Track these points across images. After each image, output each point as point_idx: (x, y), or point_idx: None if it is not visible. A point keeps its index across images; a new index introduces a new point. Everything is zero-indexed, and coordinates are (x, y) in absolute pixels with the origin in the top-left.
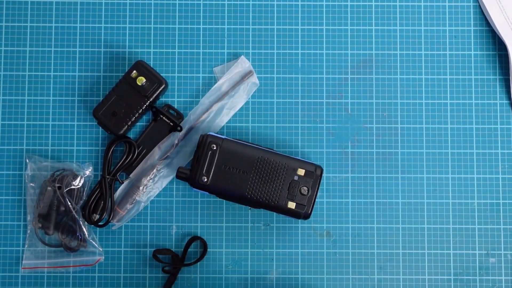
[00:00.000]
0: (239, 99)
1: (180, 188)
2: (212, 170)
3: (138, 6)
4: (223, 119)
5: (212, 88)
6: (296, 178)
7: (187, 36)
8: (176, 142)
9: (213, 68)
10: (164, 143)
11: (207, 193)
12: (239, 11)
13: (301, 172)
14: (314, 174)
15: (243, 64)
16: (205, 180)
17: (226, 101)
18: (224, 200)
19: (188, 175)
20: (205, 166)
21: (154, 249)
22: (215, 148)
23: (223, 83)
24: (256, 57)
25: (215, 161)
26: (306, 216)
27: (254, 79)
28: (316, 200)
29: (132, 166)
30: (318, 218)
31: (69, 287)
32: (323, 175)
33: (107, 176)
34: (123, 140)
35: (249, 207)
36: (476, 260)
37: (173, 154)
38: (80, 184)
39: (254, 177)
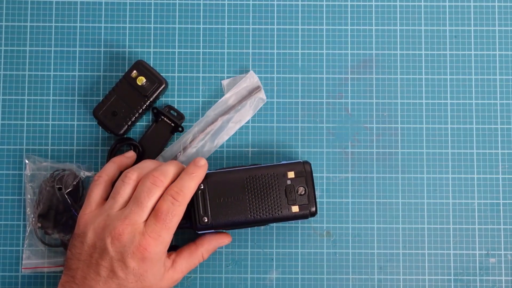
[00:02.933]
0: (245, 114)
1: None
2: (209, 208)
3: (138, 6)
4: (229, 132)
5: (219, 101)
6: (289, 182)
7: (187, 36)
8: (178, 155)
9: (221, 81)
10: (166, 153)
11: (213, 231)
12: (239, 11)
13: (291, 174)
14: (304, 171)
15: (252, 78)
16: (206, 220)
17: (232, 115)
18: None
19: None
20: (201, 207)
21: None
22: (202, 187)
23: (230, 96)
24: (256, 57)
25: (208, 199)
26: (313, 214)
27: (262, 94)
28: (317, 199)
29: None
30: (318, 218)
31: None
32: (322, 174)
33: None
34: (128, 143)
35: (261, 227)
36: (476, 260)
37: None
38: (80, 184)
39: (250, 199)
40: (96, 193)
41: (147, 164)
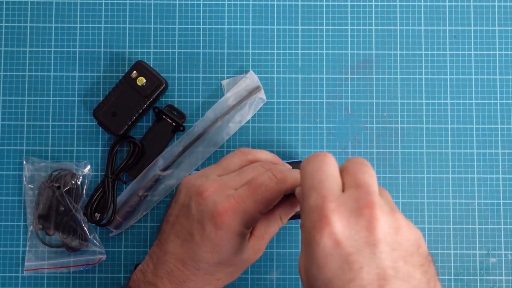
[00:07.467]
0: (245, 114)
1: None
2: None
3: (138, 6)
4: (229, 132)
5: (219, 101)
6: None
7: (187, 36)
8: (177, 154)
9: (221, 81)
10: (167, 153)
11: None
12: (239, 11)
13: None
14: None
15: (252, 79)
16: None
17: (232, 115)
18: None
19: None
20: None
21: (136, 263)
22: None
23: (230, 96)
24: (256, 57)
25: None
26: None
27: (262, 95)
28: None
29: (136, 166)
30: None
31: (69, 287)
32: None
33: (110, 176)
34: (128, 140)
35: None
36: (477, 260)
37: (174, 165)
38: (79, 183)
39: None
40: (209, 165)
41: (265, 152)
